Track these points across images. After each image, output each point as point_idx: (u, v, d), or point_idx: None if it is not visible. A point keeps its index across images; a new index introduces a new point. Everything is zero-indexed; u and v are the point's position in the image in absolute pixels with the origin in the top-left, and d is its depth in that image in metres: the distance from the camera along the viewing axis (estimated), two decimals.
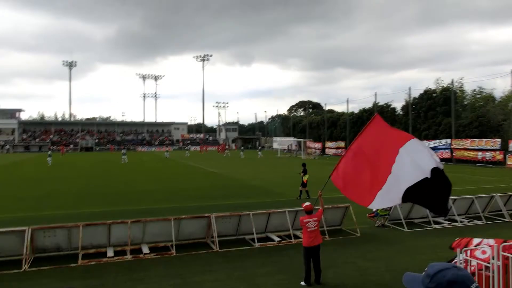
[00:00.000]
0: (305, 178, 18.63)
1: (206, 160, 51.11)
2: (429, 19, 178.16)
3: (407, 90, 54.93)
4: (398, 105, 62.06)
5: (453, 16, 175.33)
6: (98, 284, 8.21)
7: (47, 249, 10.01)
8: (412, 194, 6.43)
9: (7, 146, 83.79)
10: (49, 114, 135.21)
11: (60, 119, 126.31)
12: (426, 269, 1.77)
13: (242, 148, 73.23)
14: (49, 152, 45.31)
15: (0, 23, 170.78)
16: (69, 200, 18.60)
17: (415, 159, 6.61)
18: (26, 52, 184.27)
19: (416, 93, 56.46)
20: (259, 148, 71.20)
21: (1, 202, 18.06)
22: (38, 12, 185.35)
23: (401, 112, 59.11)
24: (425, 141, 50.59)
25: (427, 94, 54.15)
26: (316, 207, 8.72)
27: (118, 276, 8.65)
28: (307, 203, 8.40)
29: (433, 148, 48.72)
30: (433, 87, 56.36)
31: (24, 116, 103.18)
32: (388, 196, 6.69)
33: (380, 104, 61.96)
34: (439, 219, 14.02)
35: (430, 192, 6.37)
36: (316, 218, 8.24)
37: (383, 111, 60.62)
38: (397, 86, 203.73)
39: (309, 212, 8.29)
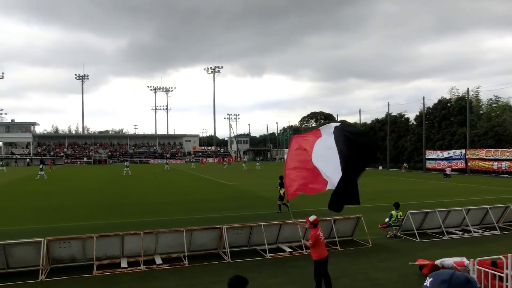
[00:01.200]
0: (281, 191, 18.24)
1: (212, 171, 51.34)
2: (445, 27, 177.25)
3: (421, 100, 54.60)
4: (411, 115, 61.67)
5: (469, 23, 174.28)
6: None
7: (63, 260, 10.21)
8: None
9: (28, 159, 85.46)
10: (63, 128, 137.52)
11: (73, 132, 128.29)
12: (430, 279, 1.77)
13: (245, 160, 72.82)
14: (41, 166, 45.43)
15: (13, 38, 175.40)
16: (82, 212, 18.89)
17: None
18: (39, 66, 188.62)
19: (430, 103, 56.14)
20: (258, 159, 70.98)
21: (18, 214, 18.44)
22: (50, 26, 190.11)
23: (414, 122, 58.71)
24: (438, 151, 50.15)
25: (442, 104, 53.77)
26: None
27: (132, 286, 8.79)
28: (314, 217, 8.34)
29: (447, 159, 48.21)
30: (447, 96, 56.03)
31: (38, 130, 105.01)
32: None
33: (393, 114, 61.65)
34: (452, 230, 13.91)
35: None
36: (321, 229, 8.26)
37: (396, 121, 60.34)
38: (411, 96, 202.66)
39: (316, 225, 8.26)
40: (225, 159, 77.84)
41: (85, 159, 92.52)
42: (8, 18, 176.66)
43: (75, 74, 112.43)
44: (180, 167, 65.72)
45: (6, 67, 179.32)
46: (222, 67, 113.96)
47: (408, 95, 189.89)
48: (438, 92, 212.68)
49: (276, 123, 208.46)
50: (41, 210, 19.84)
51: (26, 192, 29.01)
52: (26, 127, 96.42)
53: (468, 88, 48.79)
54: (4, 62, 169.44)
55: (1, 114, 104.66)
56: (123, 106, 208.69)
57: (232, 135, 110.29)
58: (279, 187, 18.68)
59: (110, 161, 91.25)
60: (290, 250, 11.47)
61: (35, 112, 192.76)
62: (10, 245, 9.74)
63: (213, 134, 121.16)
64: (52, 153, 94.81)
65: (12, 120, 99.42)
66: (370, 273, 9.54)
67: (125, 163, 51.33)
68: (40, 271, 9.38)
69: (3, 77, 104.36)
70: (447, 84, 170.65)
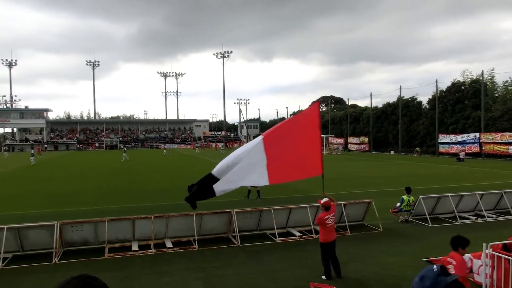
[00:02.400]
0: None
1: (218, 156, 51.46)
2: (457, 8, 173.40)
3: (433, 83, 53.71)
4: (424, 98, 60.91)
5: (482, 4, 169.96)
6: (124, 276, 8.43)
7: (76, 243, 10.35)
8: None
9: (45, 145, 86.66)
10: (75, 114, 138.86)
11: (85, 118, 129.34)
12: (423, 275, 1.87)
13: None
14: (32, 151, 46.62)
15: (25, 24, 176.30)
16: (94, 197, 19.10)
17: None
18: (51, 52, 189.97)
19: (443, 86, 55.35)
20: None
21: (31, 199, 18.73)
22: (61, 12, 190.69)
23: (427, 106, 57.88)
24: (452, 135, 49.45)
25: (455, 87, 52.82)
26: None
27: (143, 269, 8.86)
28: (325, 199, 8.32)
29: (461, 143, 47.53)
30: (461, 79, 55.00)
31: (51, 116, 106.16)
32: None
33: (405, 98, 60.78)
34: (466, 215, 13.74)
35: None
36: (334, 214, 8.23)
37: (408, 105, 59.54)
38: (423, 79, 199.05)
39: (327, 208, 8.24)
40: (221, 144, 77.33)
41: (97, 144, 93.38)
42: (20, 4, 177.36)
43: (86, 61, 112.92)
44: (187, 152, 66.26)
45: (19, 54, 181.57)
46: (231, 52, 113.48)
47: (420, 78, 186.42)
48: (451, 75, 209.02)
49: (286, 107, 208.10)
50: (50, 195, 20.11)
51: (46, 177, 29.45)
52: (39, 113, 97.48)
53: (482, 71, 47.85)
54: (17, 49, 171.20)
55: (15, 100, 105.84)
56: (133, 91, 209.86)
57: (242, 120, 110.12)
58: None
59: (122, 146, 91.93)
60: (300, 234, 11.44)
61: (48, 99, 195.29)
62: (24, 229, 9.92)
63: (223, 119, 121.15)
64: (64, 138, 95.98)
65: (26, 107, 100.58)
66: (381, 258, 9.47)
67: (123, 149, 52.10)
68: (54, 254, 9.54)
69: (16, 64, 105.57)
70: (460, 67, 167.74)
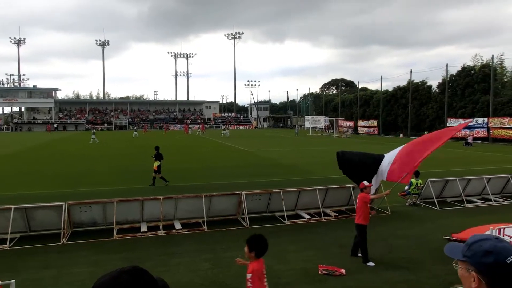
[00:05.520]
0: (155, 165, 16.67)
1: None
2: None
3: (443, 67, 52.84)
4: (434, 82, 60.05)
5: None
6: (133, 257, 8.51)
7: (84, 224, 10.39)
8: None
9: (55, 125, 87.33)
10: (84, 93, 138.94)
11: (94, 98, 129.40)
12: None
13: (224, 127, 65.77)
14: None
15: (34, 1, 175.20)
16: (103, 178, 19.23)
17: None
18: (61, 31, 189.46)
19: (453, 70, 54.51)
20: (223, 127, 65.29)
21: (40, 179, 18.90)
22: None
23: (437, 90, 57.22)
24: (460, 120, 48.89)
25: (465, 71, 52.13)
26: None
27: (152, 250, 8.94)
28: (363, 181, 8.43)
29: (469, 127, 47.03)
30: (471, 64, 54.10)
31: (60, 95, 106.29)
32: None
33: (415, 81, 60.09)
34: (473, 198, 13.69)
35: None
36: (358, 197, 8.36)
37: (418, 89, 58.85)
38: (434, 63, 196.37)
39: (361, 190, 8.39)
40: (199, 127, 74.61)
41: (105, 125, 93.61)
42: None
43: (96, 40, 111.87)
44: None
45: (28, 32, 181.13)
46: (243, 33, 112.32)
47: (430, 62, 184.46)
48: (462, 59, 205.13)
49: (297, 90, 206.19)
50: (57, 176, 20.27)
51: (55, 156, 29.70)
52: (47, 92, 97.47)
53: (492, 55, 47.04)
54: (26, 27, 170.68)
55: (23, 79, 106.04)
56: (143, 72, 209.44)
57: (252, 101, 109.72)
58: (154, 158, 16.97)
59: (131, 127, 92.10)
60: (309, 217, 11.47)
61: (57, 78, 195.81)
62: (31, 209, 9.88)
63: (233, 101, 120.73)
64: (73, 118, 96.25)
65: (34, 86, 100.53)
66: (389, 240, 9.49)
67: (92, 131, 51.15)
68: (62, 234, 9.55)
69: (24, 42, 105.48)
70: (471, 51, 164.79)
